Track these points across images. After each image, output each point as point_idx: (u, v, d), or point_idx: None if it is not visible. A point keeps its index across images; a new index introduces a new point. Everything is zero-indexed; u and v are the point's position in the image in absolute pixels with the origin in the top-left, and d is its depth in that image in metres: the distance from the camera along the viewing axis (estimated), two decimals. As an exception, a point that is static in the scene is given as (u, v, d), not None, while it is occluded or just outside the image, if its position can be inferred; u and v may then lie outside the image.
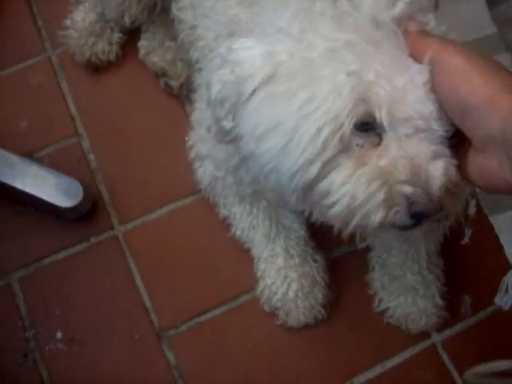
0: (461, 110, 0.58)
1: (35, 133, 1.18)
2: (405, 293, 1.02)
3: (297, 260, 1.03)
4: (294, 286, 1.02)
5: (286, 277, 1.03)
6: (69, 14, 1.21)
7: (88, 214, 1.12)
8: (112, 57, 1.20)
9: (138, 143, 1.17)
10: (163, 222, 1.13)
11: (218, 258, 1.10)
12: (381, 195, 0.61)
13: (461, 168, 0.63)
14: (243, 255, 1.08)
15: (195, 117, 0.98)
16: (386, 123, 0.60)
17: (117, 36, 1.20)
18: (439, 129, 0.61)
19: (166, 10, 1.11)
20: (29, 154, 1.16)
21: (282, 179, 0.65)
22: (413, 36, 0.63)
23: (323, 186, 0.63)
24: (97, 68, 1.21)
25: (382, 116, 0.59)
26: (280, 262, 1.03)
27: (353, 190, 0.61)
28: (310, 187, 0.64)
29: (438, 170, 0.62)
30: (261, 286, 1.05)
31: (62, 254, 1.11)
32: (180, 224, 1.12)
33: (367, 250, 1.07)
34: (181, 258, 1.10)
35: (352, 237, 0.68)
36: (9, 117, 1.19)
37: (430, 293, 1.02)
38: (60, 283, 1.09)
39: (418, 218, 0.62)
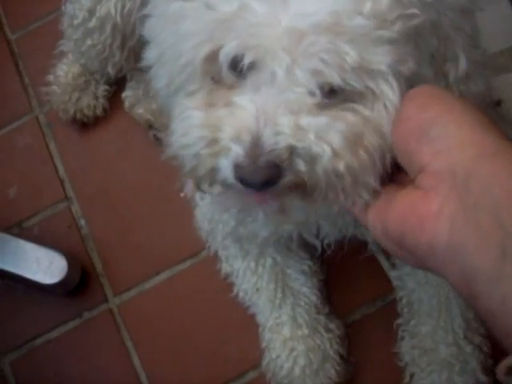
0: (419, 133, 0.46)
1: (24, 200, 1.10)
2: (438, 369, 0.85)
3: (305, 331, 0.90)
4: (301, 361, 0.88)
5: (292, 350, 0.89)
6: (52, 69, 1.13)
7: (80, 286, 1.02)
8: (99, 111, 1.10)
9: (131, 203, 1.07)
10: (160, 290, 1.02)
11: (221, 328, 0.98)
12: (196, 149, 0.52)
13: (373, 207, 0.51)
14: (249, 322, 0.95)
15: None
16: (238, 64, 0.50)
17: (102, 89, 1.10)
18: (306, 82, 0.49)
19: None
20: (18, 224, 1.08)
21: (160, 99, 0.61)
22: None
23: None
24: (84, 124, 1.12)
25: (225, 55, 0.50)
26: (286, 332, 0.90)
27: (179, 129, 0.55)
28: None
29: (275, 129, 0.49)
30: (266, 359, 0.92)
31: (54, 333, 1.02)
32: (178, 292, 1.01)
33: (392, 312, 0.92)
34: (180, 330, 0.99)
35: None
36: (-3, 184, 1.12)
37: (469, 367, 0.84)
38: (53, 365, 1.00)
39: (245, 183, 0.51)
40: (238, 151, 0.50)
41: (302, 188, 0.52)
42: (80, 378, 0.99)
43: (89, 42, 1.01)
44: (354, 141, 0.50)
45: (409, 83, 0.51)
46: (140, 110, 1.06)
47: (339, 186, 0.51)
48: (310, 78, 0.49)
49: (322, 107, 0.50)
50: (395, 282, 0.93)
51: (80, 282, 1.02)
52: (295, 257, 0.92)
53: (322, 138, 0.49)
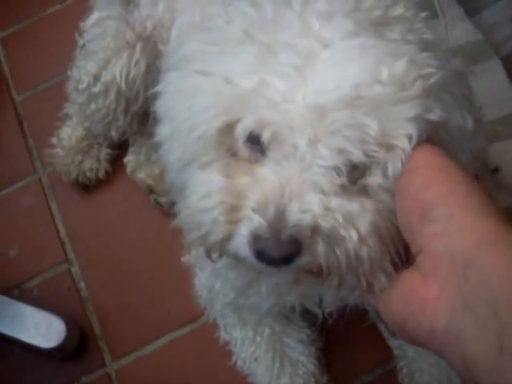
0: (421, 212, 0.46)
1: (25, 261, 1.11)
2: None
3: (304, 401, 0.89)
4: None
5: None
6: (56, 131, 1.14)
7: (78, 349, 1.02)
8: (101, 174, 1.12)
9: (131, 267, 1.07)
10: (159, 355, 1.01)
11: (220, 395, 0.97)
12: (215, 213, 0.50)
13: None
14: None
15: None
16: (261, 140, 0.51)
17: (105, 152, 1.12)
18: (330, 159, 0.49)
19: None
20: (18, 286, 1.08)
21: (171, 175, 0.60)
22: None
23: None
24: (86, 187, 1.13)
25: (242, 129, 0.51)
26: (285, 402, 0.89)
27: (199, 191, 0.53)
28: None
29: (302, 206, 0.48)
30: (266, 430, 0.90)
31: (51, 398, 1.01)
32: (178, 357, 1.00)
33: (392, 380, 0.92)
34: (179, 398, 0.98)
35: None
36: (-2, 245, 1.13)
37: None
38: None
39: (262, 258, 0.49)
40: (260, 221, 0.48)
41: (315, 271, 0.52)
42: None
43: (93, 106, 1.03)
44: (377, 229, 0.50)
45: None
46: (141, 175, 1.07)
47: (359, 270, 0.50)
48: (335, 156, 0.49)
49: (345, 188, 0.50)
50: (396, 351, 0.93)
51: (78, 346, 1.02)
52: (293, 325, 0.92)
53: (351, 222, 0.49)
